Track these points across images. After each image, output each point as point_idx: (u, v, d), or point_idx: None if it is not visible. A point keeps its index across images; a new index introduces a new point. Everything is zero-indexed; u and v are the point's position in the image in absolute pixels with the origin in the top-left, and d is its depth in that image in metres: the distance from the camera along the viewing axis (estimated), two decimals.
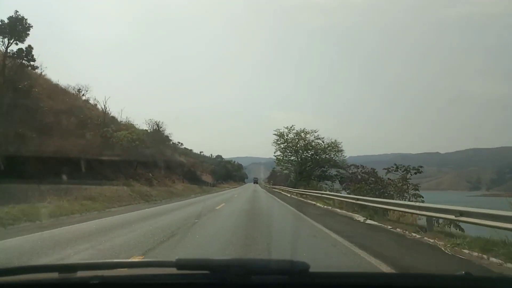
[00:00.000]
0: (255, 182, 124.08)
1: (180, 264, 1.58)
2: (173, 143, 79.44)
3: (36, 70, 22.98)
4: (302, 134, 45.57)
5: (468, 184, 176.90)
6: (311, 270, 1.54)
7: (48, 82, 26.67)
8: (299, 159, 46.45)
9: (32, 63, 21.17)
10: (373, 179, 20.76)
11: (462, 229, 8.79)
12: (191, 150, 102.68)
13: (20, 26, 18.92)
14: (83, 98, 34.51)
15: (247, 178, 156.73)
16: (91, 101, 34.64)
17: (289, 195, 36.15)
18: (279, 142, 46.36)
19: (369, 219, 11.96)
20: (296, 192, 34.33)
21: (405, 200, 15.20)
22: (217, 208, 17.29)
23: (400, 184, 17.21)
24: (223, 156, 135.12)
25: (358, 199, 15.48)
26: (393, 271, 4.96)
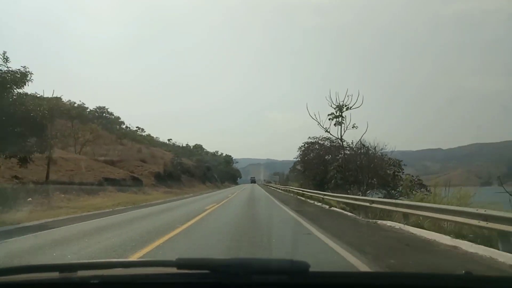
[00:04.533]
0: (253, 181, 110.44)
1: (180, 264, 1.63)
2: (126, 127, 65.73)
3: None
4: None
5: (479, 180, 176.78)
6: (311, 269, 1.58)
7: None
8: None
9: None
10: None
11: None
12: (154, 137, 75.70)
13: None
14: None
15: (240, 177, 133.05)
16: None
17: None
18: None
19: None
20: None
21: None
22: None
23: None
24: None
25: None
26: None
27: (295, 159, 41.59)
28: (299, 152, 39.76)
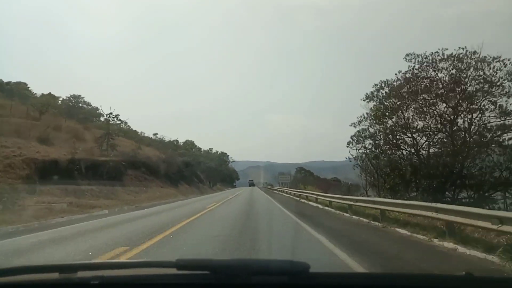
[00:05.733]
0: (251, 185, 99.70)
1: (180, 265, 1.64)
2: (105, 119, 48.29)
3: None
4: None
5: None
6: (311, 270, 1.59)
7: None
8: None
9: None
10: None
11: None
12: (139, 132, 59.64)
13: None
14: None
15: (238, 179, 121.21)
16: None
17: None
18: None
19: None
20: None
21: None
22: None
23: None
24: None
25: None
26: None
27: (354, 126, 21.38)
28: (368, 103, 19.52)
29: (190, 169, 53.86)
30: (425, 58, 17.60)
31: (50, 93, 51.27)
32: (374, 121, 19.34)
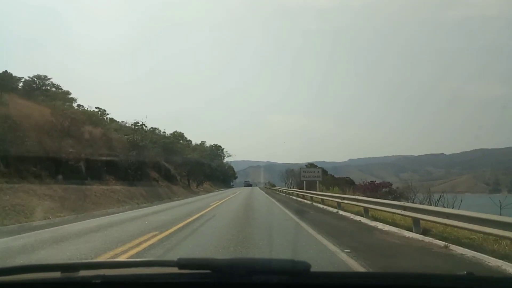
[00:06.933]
0: (248, 185, 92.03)
1: (181, 264, 1.65)
2: (79, 105, 40.34)
3: None
4: None
5: (487, 187, 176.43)
6: (312, 270, 1.60)
7: None
8: None
9: None
10: None
11: None
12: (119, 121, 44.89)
13: None
14: None
15: (236, 178, 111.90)
16: None
17: None
18: None
19: None
20: None
21: None
22: None
23: None
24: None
25: None
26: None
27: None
28: None
29: (143, 157, 32.09)
30: None
31: (6, 71, 41.83)
32: None
